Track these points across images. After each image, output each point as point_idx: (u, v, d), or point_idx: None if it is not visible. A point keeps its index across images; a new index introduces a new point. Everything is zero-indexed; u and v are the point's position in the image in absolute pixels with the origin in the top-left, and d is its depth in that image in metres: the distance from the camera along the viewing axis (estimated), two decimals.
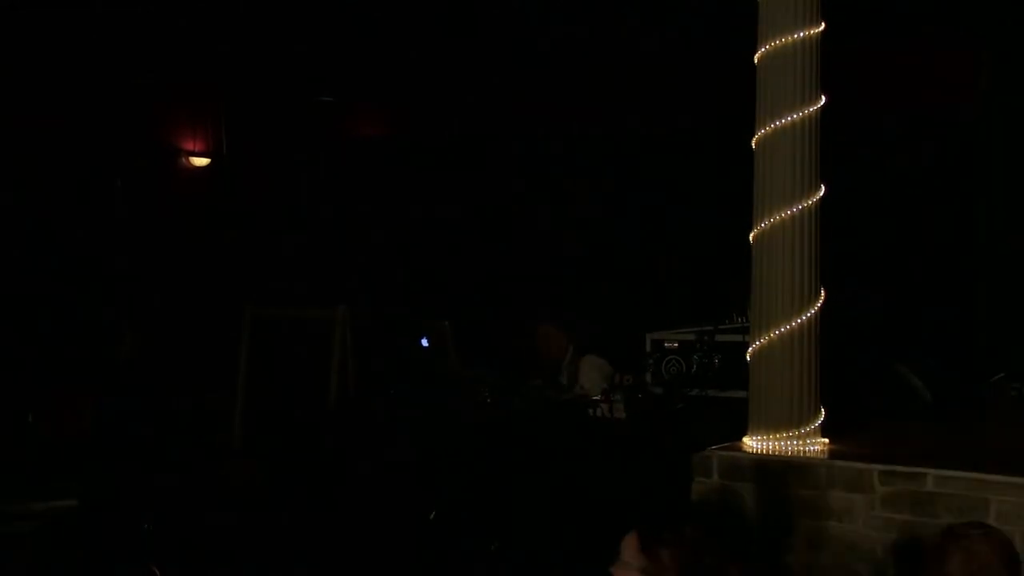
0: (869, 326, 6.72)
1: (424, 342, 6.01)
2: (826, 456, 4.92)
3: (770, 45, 5.02)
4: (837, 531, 4.66)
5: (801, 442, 4.97)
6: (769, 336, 4.99)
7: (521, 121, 8.29)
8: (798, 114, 4.97)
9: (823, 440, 5.06)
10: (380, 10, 8.24)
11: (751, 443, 5.07)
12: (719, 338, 6.01)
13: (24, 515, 5.12)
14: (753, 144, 5.11)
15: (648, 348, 6.28)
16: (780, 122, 4.99)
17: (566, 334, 6.55)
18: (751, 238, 5.13)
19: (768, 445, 5.00)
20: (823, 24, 5.02)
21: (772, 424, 5.00)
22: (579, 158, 8.05)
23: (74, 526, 5.13)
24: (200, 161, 8.57)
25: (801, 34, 4.96)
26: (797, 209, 4.97)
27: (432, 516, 5.52)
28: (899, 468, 4.59)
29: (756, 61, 5.11)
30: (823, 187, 5.05)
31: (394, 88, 8.95)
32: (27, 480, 5.71)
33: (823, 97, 5.02)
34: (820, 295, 5.04)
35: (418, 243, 8.24)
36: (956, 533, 2.78)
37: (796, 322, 4.96)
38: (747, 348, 5.16)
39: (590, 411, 5.47)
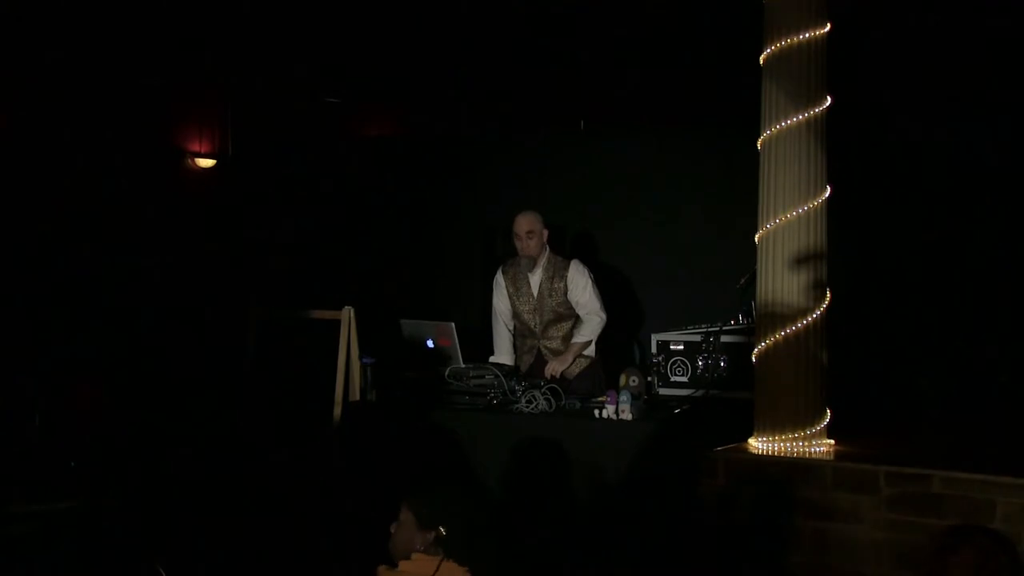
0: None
1: (429, 343, 5.99)
2: (832, 457, 4.92)
3: (776, 46, 5.01)
4: (843, 532, 4.66)
5: (807, 443, 4.97)
6: (775, 337, 4.99)
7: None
8: (804, 115, 4.96)
9: (829, 441, 5.06)
10: (385, 10, 8.24)
11: (757, 444, 5.07)
12: (725, 339, 6.00)
13: (24, 515, 5.13)
14: (759, 144, 5.11)
15: (654, 349, 6.27)
16: (786, 123, 4.98)
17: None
18: (756, 238, 5.13)
19: (774, 446, 5.00)
20: (829, 24, 5.02)
21: (778, 425, 5.00)
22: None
23: (75, 526, 5.13)
24: (205, 162, 8.58)
25: (807, 35, 4.96)
26: (803, 210, 4.97)
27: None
28: (905, 469, 4.59)
29: (762, 62, 5.11)
30: (829, 188, 5.05)
31: (400, 89, 8.95)
32: (28, 480, 5.72)
33: (829, 98, 5.02)
34: (827, 296, 5.03)
35: (423, 243, 8.23)
36: (965, 531, 2.78)
37: (802, 323, 4.95)
38: (753, 349, 5.16)
39: (596, 413, 5.45)
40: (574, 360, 6.03)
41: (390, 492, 3.51)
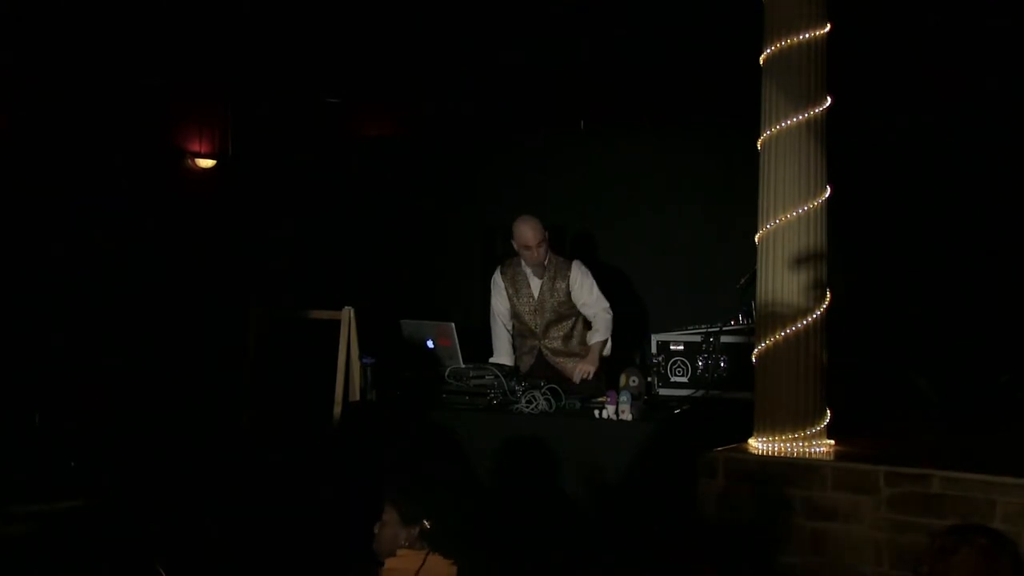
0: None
1: (429, 343, 5.99)
2: (832, 457, 4.91)
3: (776, 46, 5.01)
4: (843, 532, 4.65)
5: (807, 443, 4.97)
6: (775, 337, 4.99)
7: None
8: (804, 115, 4.96)
9: (829, 442, 5.06)
10: (385, 10, 8.24)
11: (757, 444, 5.06)
12: (725, 339, 5.99)
13: (24, 515, 5.13)
14: (759, 145, 5.11)
15: (654, 349, 6.27)
16: (786, 123, 4.98)
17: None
18: (756, 239, 5.12)
19: (774, 446, 5.00)
20: (829, 25, 5.02)
21: (778, 426, 4.99)
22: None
23: (75, 526, 5.13)
24: (205, 162, 8.58)
25: (807, 35, 4.95)
26: (803, 210, 4.96)
27: None
28: (905, 470, 4.58)
29: (762, 62, 5.10)
30: (829, 188, 5.05)
31: (401, 89, 8.94)
32: (28, 480, 5.72)
33: (829, 98, 5.02)
34: (827, 296, 5.03)
35: (423, 243, 8.23)
36: (965, 531, 2.78)
37: (802, 323, 4.95)
38: (753, 349, 5.16)
39: (596, 413, 5.45)
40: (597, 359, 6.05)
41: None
